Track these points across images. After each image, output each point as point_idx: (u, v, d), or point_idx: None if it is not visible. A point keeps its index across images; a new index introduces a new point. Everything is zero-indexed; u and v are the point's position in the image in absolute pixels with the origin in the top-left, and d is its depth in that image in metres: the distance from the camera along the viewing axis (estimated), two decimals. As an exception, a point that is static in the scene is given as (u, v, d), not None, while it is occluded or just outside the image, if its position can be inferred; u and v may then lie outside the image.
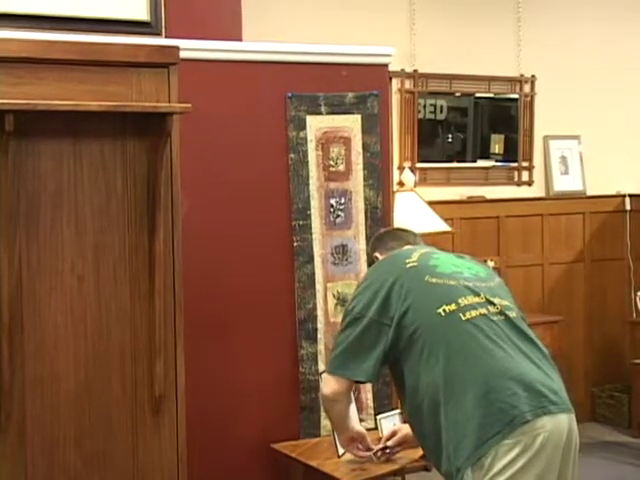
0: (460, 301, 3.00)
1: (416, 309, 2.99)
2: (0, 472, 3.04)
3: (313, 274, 4.40)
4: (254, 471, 4.27)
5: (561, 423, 2.84)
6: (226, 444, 4.19)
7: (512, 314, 3.05)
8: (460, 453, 2.82)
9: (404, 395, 3.06)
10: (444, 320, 2.96)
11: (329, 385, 3.14)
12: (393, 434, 3.77)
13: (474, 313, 2.97)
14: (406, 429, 3.64)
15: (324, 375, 3.24)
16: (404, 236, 3.51)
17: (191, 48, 3.91)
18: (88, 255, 3.16)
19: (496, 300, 3.05)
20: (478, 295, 3.03)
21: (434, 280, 3.06)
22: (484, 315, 2.98)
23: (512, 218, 6.87)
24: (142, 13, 4.44)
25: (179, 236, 3.29)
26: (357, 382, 3.19)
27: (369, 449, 3.72)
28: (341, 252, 4.46)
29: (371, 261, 3.50)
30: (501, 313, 3.02)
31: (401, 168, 6.36)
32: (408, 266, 3.11)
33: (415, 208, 5.92)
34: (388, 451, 3.75)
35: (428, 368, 2.93)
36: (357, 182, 4.50)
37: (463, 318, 2.95)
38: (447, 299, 3.00)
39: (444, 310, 2.97)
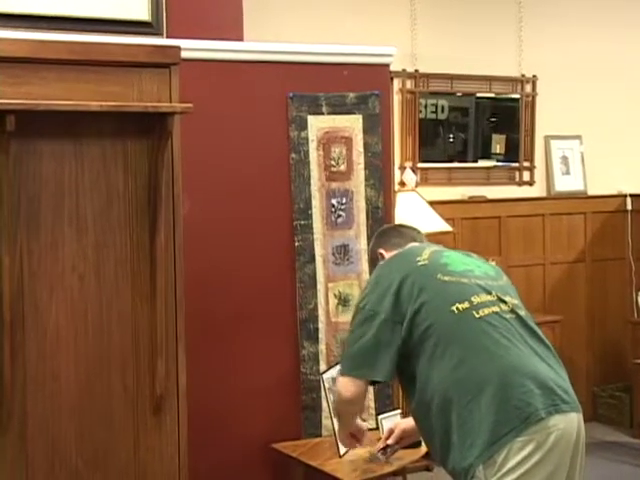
0: (473, 299, 2.99)
1: (429, 307, 2.97)
2: (1, 471, 3.04)
3: (314, 274, 4.40)
4: (255, 471, 4.27)
5: (572, 422, 2.85)
6: (227, 444, 4.20)
7: (522, 312, 3.06)
8: (472, 450, 2.81)
9: (412, 393, 3.04)
10: (458, 318, 2.95)
11: (347, 388, 3.05)
12: (391, 432, 3.77)
13: (487, 311, 2.97)
14: (403, 424, 3.63)
15: (339, 377, 3.13)
16: (408, 233, 3.49)
17: (192, 48, 3.92)
18: (89, 255, 3.16)
19: (507, 298, 3.06)
20: (490, 293, 3.03)
21: (446, 278, 3.04)
22: (496, 313, 2.98)
23: (513, 218, 6.87)
24: (143, 13, 4.44)
25: (180, 236, 3.29)
26: (373, 383, 3.13)
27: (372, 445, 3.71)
28: (342, 252, 4.47)
29: (375, 257, 3.44)
30: (512, 311, 3.02)
31: (402, 168, 6.36)
32: (419, 264, 3.09)
33: (416, 208, 5.92)
34: (389, 450, 3.75)
35: (441, 365, 2.91)
36: (358, 182, 4.50)
37: (476, 316, 2.95)
38: (460, 297, 2.99)
39: (457, 308, 2.96)
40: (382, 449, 3.74)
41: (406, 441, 3.67)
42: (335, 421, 3.73)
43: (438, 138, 6.70)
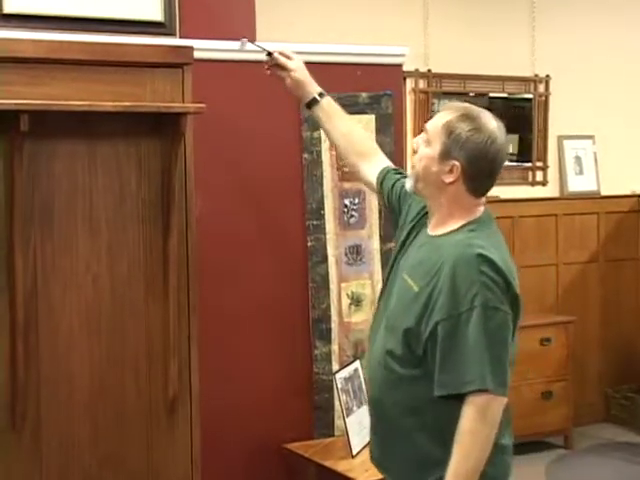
0: None
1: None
2: (15, 471, 3.05)
3: (327, 274, 4.39)
4: (267, 471, 4.27)
5: None
6: (239, 444, 4.19)
7: None
8: None
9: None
10: None
11: (500, 409, 2.54)
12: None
13: None
14: (304, 76, 3.47)
15: (493, 397, 2.52)
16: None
17: (205, 48, 3.91)
18: (102, 255, 3.17)
19: None
20: None
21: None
22: None
23: (526, 218, 6.86)
24: (156, 13, 4.44)
25: (193, 236, 3.30)
26: None
27: None
28: (355, 252, 4.46)
29: (446, 152, 2.70)
30: None
31: (415, 168, 6.35)
32: (517, 290, 2.76)
33: (429, 208, 5.91)
34: (271, 58, 3.58)
35: None
36: (371, 182, 4.49)
37: None
38: None
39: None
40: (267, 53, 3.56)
41: (289, 77, 3.51)
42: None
43: (451, 138, 6.68)
